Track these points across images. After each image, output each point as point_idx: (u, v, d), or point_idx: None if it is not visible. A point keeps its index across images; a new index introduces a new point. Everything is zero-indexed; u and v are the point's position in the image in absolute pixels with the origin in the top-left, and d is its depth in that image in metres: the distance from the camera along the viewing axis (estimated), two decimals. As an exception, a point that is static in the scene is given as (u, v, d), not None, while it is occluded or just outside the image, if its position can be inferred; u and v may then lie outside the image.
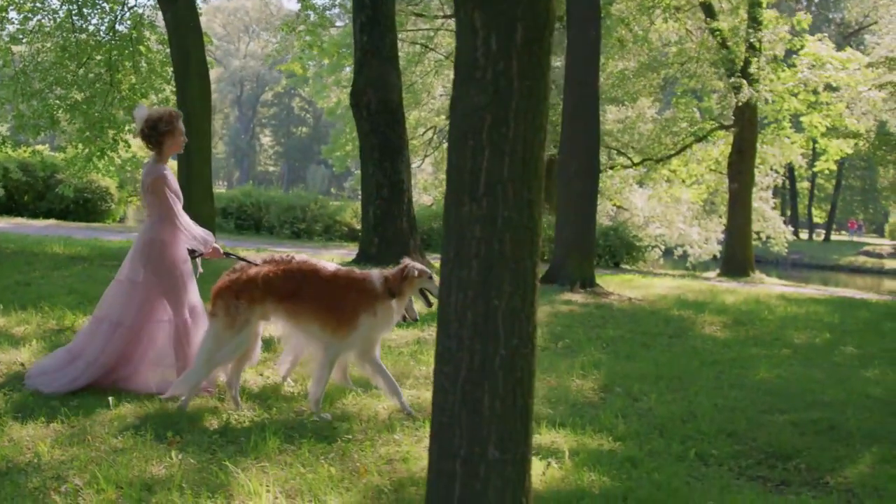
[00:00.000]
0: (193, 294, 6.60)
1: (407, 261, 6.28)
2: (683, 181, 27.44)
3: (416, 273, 6.16)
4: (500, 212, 2.98)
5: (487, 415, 2.98)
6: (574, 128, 14.01)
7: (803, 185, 62.01)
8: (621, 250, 24.16)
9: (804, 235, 62.58)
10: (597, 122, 14.30)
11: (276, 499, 4.37)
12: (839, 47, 28.44)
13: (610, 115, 27.68)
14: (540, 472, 5.06)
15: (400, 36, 29.82)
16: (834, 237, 62.98)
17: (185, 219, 6.49)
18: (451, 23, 30.70)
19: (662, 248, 30.93)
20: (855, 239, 63.67)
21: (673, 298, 13.85)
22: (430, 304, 6.31)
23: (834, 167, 27.18)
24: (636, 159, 26.45)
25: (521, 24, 2.96)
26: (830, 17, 57.85)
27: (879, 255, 47.73)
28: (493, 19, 2.96)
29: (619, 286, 15.16)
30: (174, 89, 16.13)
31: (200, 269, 6.84)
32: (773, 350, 9.76)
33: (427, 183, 33.74)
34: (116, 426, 5.43)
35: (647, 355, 8.93)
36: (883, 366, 9.16)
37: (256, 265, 6.37)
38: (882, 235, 69.57)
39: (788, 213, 62.34)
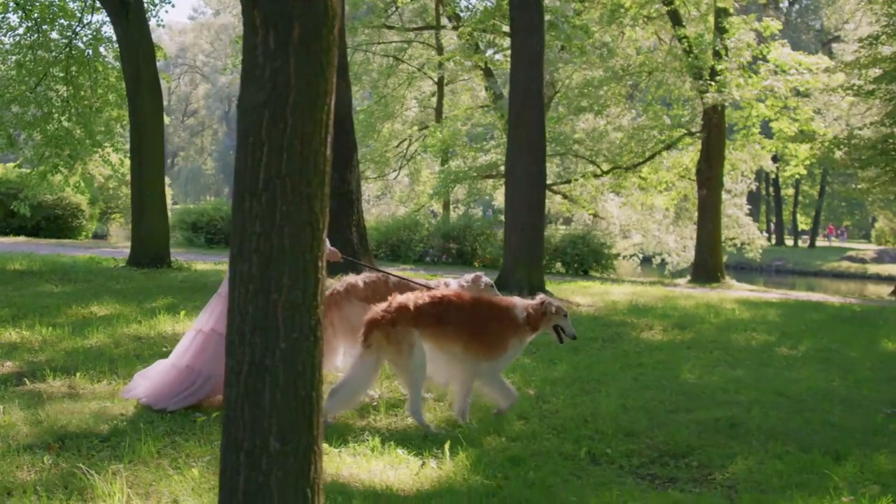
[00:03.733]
0: None
1: (544, 297, 6.65)
2: (655, 187, 27.39)
3: (553, 310, 6.49)
4: (278, 207, 3.04)
5: (268, 407, 3.02)
6: (519, 135, 14.01)
7: (788, 192, 61.98)
8: (590, 258, 24.06)
9: (790, 242, 62.55)
10: (542, 129, 14.28)
11: (130, 500, 4.39)
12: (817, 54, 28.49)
13: (580, 125, 27.68)
14: (414, 472, 5.10)
15: (371, 48, 30.17)
16: (820, 243, 62.92)
17: None
18: (423, 35, 30.89)
19: (640, 256, 30.88)
20: (839, 244, 63.61)
21: (625, 304, 13.84)
22: (561, 341, 6.65)
23: (804, 171, 27.10)
24: (605, 167, 26.40)
25: (298, 22, 3.02)
26: (809, 24, 58.09)
27: (863, 260, 47.60)
28: (271, 17, 3.02)
29: (573, 293, 15.15)
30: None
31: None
32: (705, 352, 9.79)
33: (403, 195, 33.75)
34: (1, 433, 5.46)
35: (573, 359, 8.94)
36: (809, 366, 9.21)
37: (371, 268, 7.31)
38: (870, 241, 69.49)
39: (773, 219, 62.35)
